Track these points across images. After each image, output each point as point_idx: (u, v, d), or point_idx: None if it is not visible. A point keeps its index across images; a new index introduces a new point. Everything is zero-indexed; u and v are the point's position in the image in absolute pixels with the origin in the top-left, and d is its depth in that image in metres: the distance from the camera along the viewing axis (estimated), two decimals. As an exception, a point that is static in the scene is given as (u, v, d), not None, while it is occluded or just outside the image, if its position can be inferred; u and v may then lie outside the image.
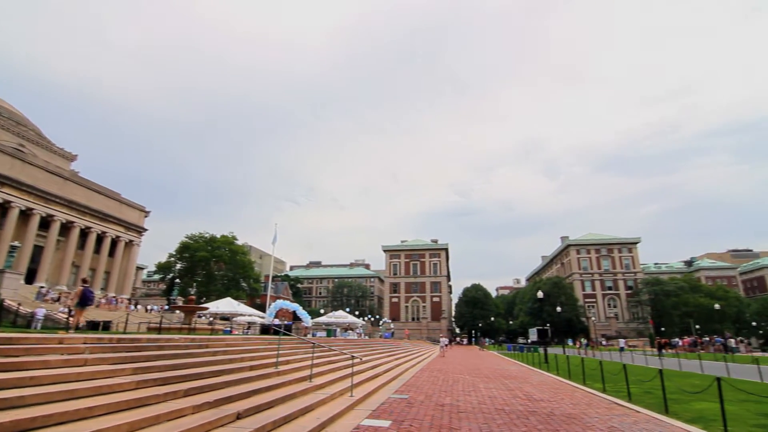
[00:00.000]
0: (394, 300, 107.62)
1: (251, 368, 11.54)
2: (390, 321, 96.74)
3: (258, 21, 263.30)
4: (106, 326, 21.72)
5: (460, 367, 26.29)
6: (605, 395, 13.47)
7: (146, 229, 57.07)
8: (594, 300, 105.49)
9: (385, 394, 12.95)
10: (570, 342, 64.18)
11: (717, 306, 77.08)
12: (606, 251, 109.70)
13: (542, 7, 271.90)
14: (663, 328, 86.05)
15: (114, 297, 45.71)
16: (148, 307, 48.62)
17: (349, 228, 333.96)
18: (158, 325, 21.16)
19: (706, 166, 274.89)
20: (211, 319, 35.78)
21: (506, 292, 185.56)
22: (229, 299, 36.61)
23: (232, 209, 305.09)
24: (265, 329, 27.80)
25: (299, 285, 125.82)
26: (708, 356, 40.98)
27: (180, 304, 39.74)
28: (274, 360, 12.83)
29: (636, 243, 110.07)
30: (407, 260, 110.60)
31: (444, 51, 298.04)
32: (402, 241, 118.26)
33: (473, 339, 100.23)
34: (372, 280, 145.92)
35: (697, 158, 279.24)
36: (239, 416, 7.38)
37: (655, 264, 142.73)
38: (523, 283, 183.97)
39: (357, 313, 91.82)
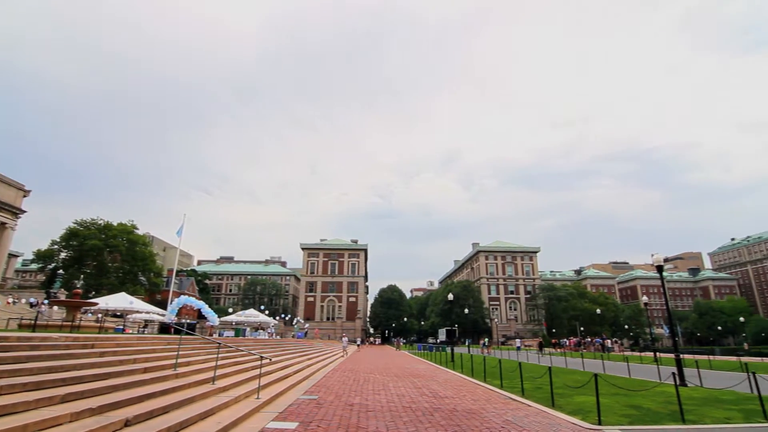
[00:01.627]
0: (310, 299, 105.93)
1: (145, 370, 10.51)
2: (304, 320, 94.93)
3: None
4: (-37, 323, 18.36)
5: (371, 366, 26.59)
6: (503, 391, 14.49)
7: (24, 211, 49.42)
8: (498, 303, 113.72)
9: (294, 395, 12.62)
10: (467, 342, 68.48)
11: (598, 311, 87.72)
12: (510, 258, 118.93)
13: (473, 30, 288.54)
14: (554, 330, 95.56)
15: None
16: (31, 301, 42.02)
17: (266, 223, 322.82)
18: (33, 322, 18.37)
19: (594, 187, 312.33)
20: (100, 315, 32.07)
21: (420, 293, 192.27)
22: (123, 294, 32.96)
23: (137, 196, 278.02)
24: (165, 328, 25.60)
25: (207, 281, 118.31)
26: (589, 355, 46.39)
27: (62, 298, 35.09)
28: (173, 361, 11.83)
29: (536, 252, 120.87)
30: (326, 259, 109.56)
31: (379, 56, 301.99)
32: (321, 240, 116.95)
33: (392, 339, 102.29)
34: (288, 278, 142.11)
35: (588, 180, 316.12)
36: (128, 423, 6.65)
37: (551, 272, 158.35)
38: (436, 286, 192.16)
39: (268, 312, 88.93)
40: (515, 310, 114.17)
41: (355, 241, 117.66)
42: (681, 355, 17.65)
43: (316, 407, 10.77)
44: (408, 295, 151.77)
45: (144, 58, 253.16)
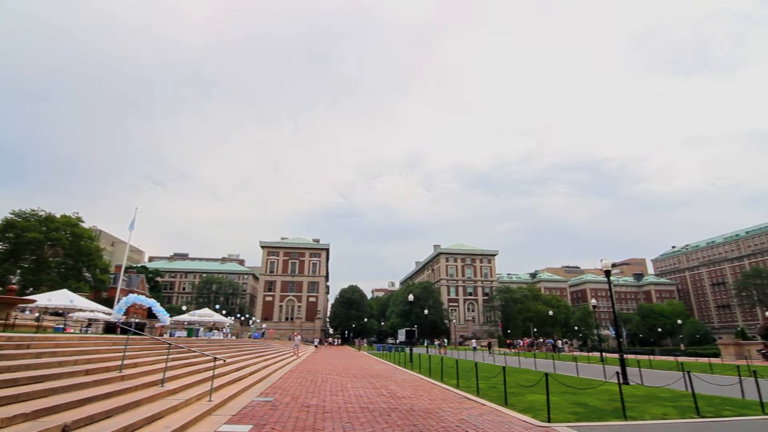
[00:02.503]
0: (268, 299, 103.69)
1: (87, 372, 9.88)
2: (261, 320, 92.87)
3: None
4: None
5: (329, 367, 26.38)
6: (459, 391, 14.78)
7: (-46, 200, 45.32)
8: (456, 304, 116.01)
9: (249, 398, 12.29)
10: (426, 342, 69.41)
11: (551, 312, 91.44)
12: (470, 261, 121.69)
13: (439, 36, 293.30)
14: (509, 330, 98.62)
15: None
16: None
17: (225, 220, 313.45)
18: (-41, 321, 16.81)
19: (551, 194, 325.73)
20: (38, 314, 29.91)
21: (381, 294, 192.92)
22: (65, 291, 30.83)
23: (84, 186, 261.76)
24: (111, 327, 24.26)
25: (159, 278, 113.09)
26: (541, 355, 48.26)
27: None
28: (118, 363, 11.20)
29: (494, 255, 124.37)
30: (286, 258, 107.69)
31: (345, 55, 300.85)
32: (282, 238, 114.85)
33: (351, 339, 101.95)
34: (246, 277, 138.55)
35: (545, 187, 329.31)
36: (66, 429, 6.22)
37: (508, 274, 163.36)
38: (397, 287, 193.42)
39: (224, 312, 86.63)
40: (473, 311, 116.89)
41: (317, 241, 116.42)
42: (625, 356, 18.71)
43: (271, 409, 10.53)
44: (369, 296, 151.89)
45: (98, 36, 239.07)
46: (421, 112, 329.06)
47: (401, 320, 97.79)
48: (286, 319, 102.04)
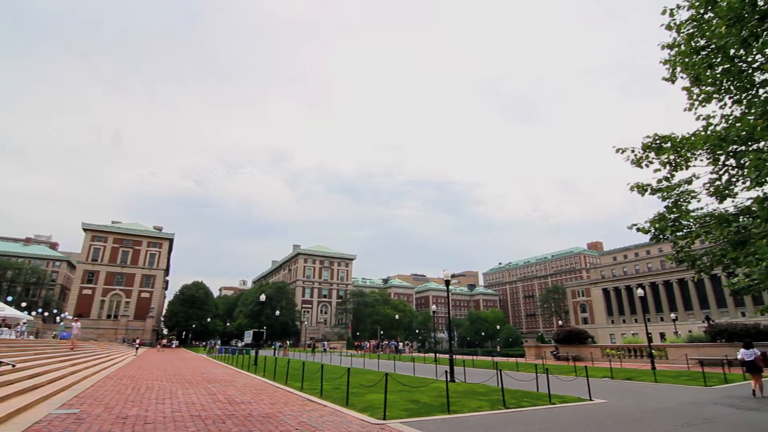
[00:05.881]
0: (87, 292, 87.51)
1: None
2: (74, 317, 77.95)
3: None
4: None
5: (158, 372, 23.48)
6: (302, 393, 14.62)
7: None
8: (310, 306, 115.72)
9: (46, 410, 10.07)
10: (275, 345, 67.26)
11: (397, 316, 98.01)
12: (328, 263, 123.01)
13: (318, 43, 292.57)
14: (359, 333, 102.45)
15: None
16: None
17: (34, 192, 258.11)
18: None
19: (406, 207, 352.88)
20: None
21: (230, 293, 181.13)
22: None
23: None
24: None
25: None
26: (384, 356, 51.26)
27: None
28: None
29: (352, 259, 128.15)
30: (117, 246, 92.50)
31: (223, 34, 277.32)
32: (114, 222, 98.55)
33: (190, 341, 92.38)
34: (57, 264, 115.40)
35: (401, 200, 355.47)
36: None
37: (363, 279, 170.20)
38: (249, 285, 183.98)
39: (24, 305, 70.81)
40: (326, 313, 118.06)
41: (159, 229, 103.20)
42: (454, 356, 21.06)
43: (75, 423, 8.79)
44: (216, 294, 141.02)
45: None
46: (292, 110, 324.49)
47: (250, 321, 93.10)
48: (109, 316, 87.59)
